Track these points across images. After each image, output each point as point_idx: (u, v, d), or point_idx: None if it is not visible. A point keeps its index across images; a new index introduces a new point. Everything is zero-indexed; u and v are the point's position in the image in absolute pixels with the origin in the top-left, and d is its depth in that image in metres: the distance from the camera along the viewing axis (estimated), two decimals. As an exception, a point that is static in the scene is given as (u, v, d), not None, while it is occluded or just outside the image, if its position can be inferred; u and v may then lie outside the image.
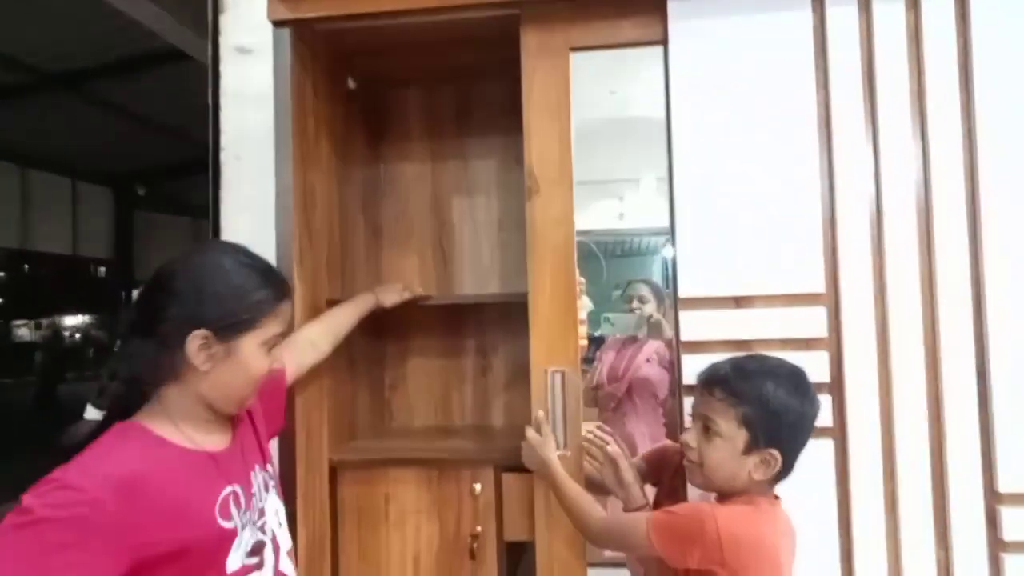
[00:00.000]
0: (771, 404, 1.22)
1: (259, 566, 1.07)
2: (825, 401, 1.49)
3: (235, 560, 1.02)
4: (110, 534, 0.88)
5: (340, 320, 1.65)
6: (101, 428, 1.00)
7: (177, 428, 1.02)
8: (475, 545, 1.68)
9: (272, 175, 1.66)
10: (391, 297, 1.74)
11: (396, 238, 2.14)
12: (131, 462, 0.94)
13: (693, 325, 1.54)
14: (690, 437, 1.30)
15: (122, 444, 0.97)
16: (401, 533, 1.72)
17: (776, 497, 1.30)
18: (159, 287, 1.03)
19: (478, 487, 1.69)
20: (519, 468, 1.62)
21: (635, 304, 3.27)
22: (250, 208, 1.86)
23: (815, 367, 1.49)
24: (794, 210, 1.52)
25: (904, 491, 1.46)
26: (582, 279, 2.18)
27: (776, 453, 1.22)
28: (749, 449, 1.23)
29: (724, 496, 1.29)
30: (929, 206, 1.49)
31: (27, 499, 0.87)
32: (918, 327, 1.48)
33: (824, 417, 1.48)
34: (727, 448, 1.23)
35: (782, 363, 1.30)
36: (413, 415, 2.17)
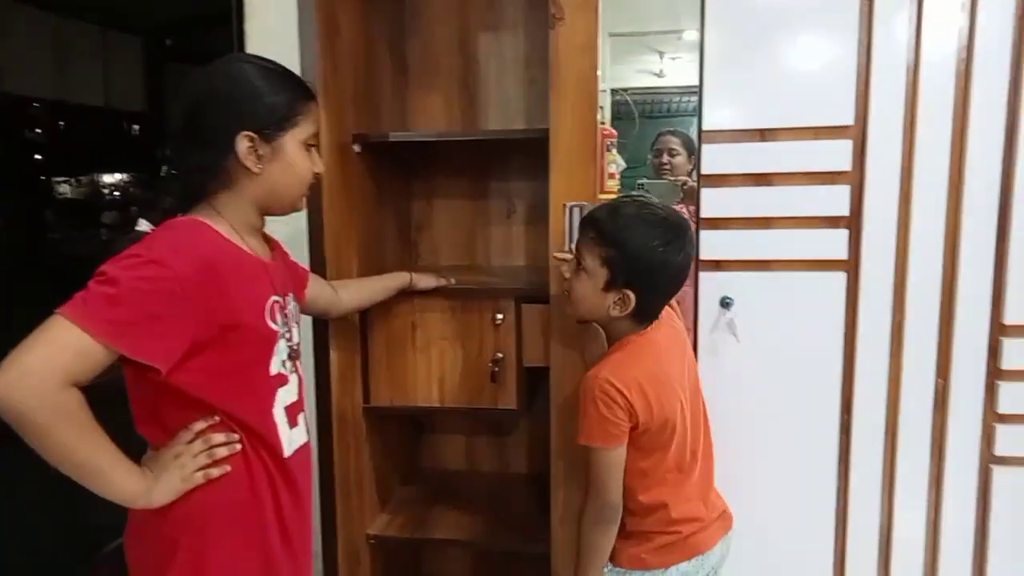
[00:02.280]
0: (631, 248, 1.25)
1: (287, 380, 1.12)
2: (841, 235, 1.51)
3: (275, 364, 1.08)
4: (189, 308, 0.93)
5: (370, 285, 1.65)
6: None
7: (233, 230, 1.06)
8: (496, 369, 1.79)
9: (295, 3, 1.63)
10: (427, 281, 1.74)
11: (422, 75, 2.12)
12: (205, 246, 0.99)
13: (715, 158, 1.54)
14: (566, 269, 1.36)
15: (194, 231, 1.01)
16: (427, 357, 1.83)
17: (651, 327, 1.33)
18: (198, 99, 1.05)
19: (500, 316, 1.78)
20: (539, 299, 1.69)
21: (664, 158, 3.20)
22: (275, 40, 1.84)
23: (835, 201, 1.51)
24: (828, 42, 1.47)
25: (911, 322, 1.51)
26: (614, 131, 2.15)
27: (631, 294, 1.26)
28: (608, 287, 1.27)
29: (609, 339, 1.36)
30: (971, 49, 1.43)
31: (113, 270, 0.90)
32: (944, 165, 1.47)
33: (839, 250, 1.52)
34: (590, 284, 1.29)
35: (659, 210, 1.30)
36: (439, 255, 2.24)
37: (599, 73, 1.53)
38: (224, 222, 1.05)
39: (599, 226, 1.28)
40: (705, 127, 1.54)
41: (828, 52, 1.48)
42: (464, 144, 2.09)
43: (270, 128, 1.05)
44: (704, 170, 1.55)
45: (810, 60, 1.49)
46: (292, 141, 1.08)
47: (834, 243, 1.52)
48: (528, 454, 2.26)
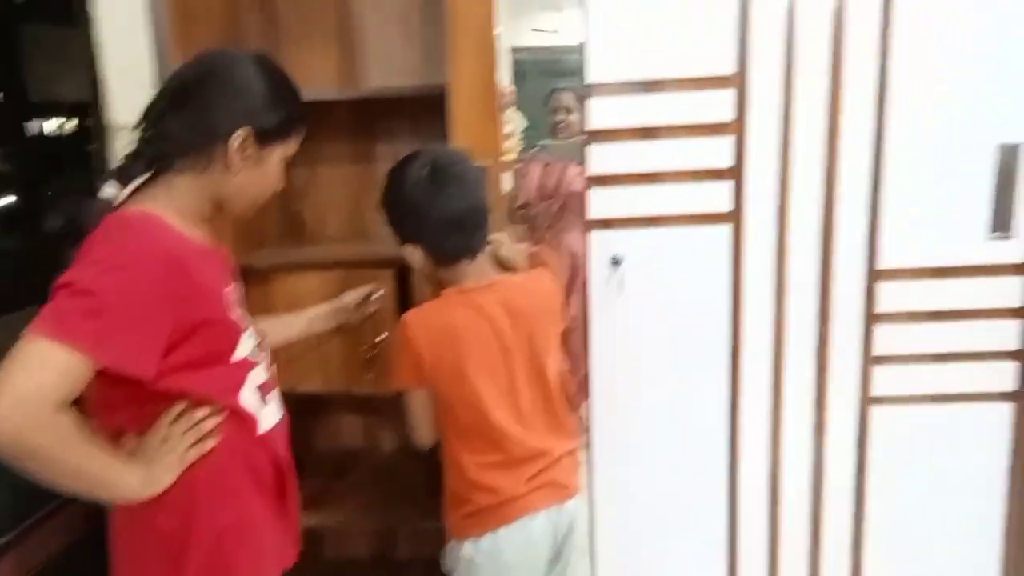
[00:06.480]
0: (385, 204, 1.28)
1: (256, 364, 1.12)
2: (726, 187, 1.52)
3: (241, 351, 1.07)
4: (163, 309, 0.92)
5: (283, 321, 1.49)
6: (112, 209, 0.99)
7: (185, 222, 1.02)
8: (373, 353, 1.66)
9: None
10: (352, 296, 1.55)
11: (295, 29, 1.97)
12: (167, 242, 0.96)
13: (602, 113, 1.51)
14: None
15: (151, 226, 0.97)
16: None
17: (488, 282, 1.28)
18: (211, 74, 1.01)
19: (378, 293, 1.59)
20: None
21: (560, 116, 3.18)
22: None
23: (719, 153, 1.51)
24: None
25: (793, 271, 1.54)
26: (511, 89, 2.07)
27: (414, 248, 1.26)
28: (402, 246, 1.29)
29: None
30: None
31: (83, 280, 0.87)
32: (822, 114, 1.49)
33: (724, 203, 1.53)
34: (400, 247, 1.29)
35: (422, 156, 1.27)
36: (325, 225, 2.12)
37: (498, 29, 1.46)
38: (173, 209, 1.01)
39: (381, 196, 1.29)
40: (591, 80, 1.50)
41: (708, 2, 1.46)
42: (347, 104, 1.97)
43: (268, 134, 1.03)
44: (591, 125, 1.52)
45: (691, 8, 1.47)
46: (279, 154, 1.07)
47: (719, 196, 1.53)
48: (429, 425, 2.19)
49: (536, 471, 1.26)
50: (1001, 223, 1.51)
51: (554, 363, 1.31)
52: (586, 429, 1.68)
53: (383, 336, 1.62)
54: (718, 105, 1.49)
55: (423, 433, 1.32)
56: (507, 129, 4.50)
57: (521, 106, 4.55)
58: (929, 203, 1.51)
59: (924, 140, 1.48)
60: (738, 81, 1.47)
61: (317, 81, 1.99)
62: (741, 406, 1.61)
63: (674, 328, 1.58)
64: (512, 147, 4.10)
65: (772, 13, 1.46)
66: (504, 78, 5.00)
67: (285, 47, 1.97)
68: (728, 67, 1.47)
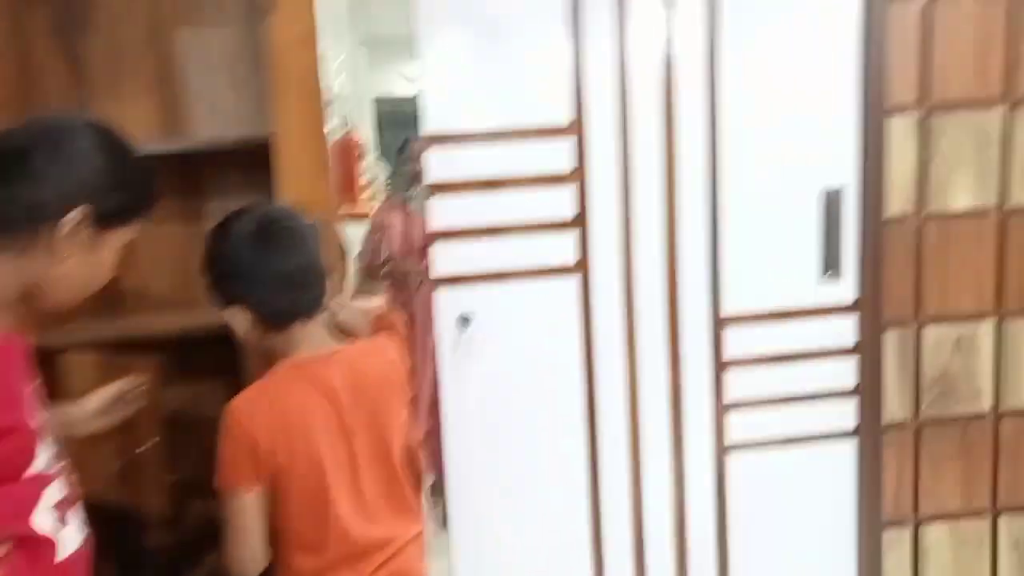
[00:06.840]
0: (206, 259, 1.13)
1: (53, 477, 0.93)
2: (571, 239, 1.50)
3: (40, 463, 0.89)
4: None
5: None
6: None
7: None
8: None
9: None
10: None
11: (107, 80, 1.79)
12: None
13: (443, 165, 1.45)
14: None
15: None
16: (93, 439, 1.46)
17: (326, 352, 1.14)
18: (41, 143, 0.86)
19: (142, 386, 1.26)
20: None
21: (416, 164, 3.12)
22: None
23: (562, 203, 1.49)
24: (542, 42, 1.46)
25: (641, 320, 1.53)
26: (362, 138, 1.98)
27: (239, 311, 1.10)
28: (225, 309, 1.13)
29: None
30: (671, 47, 1.48)
31: None
32: (659, 161, 1.51)
33: (570, 255, 1.50)
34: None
35: (249, 213, 1.14)
36: (149, 291, 1.91)
37: (326, 77, 1.39)
38: None
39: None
40: (428, 131, 1.44)
41: (543, 53, 1.46)
42: (172, 158, 1.80)
43: (108, 217, 0.87)
44: (430, 178, 1.46)
45: (527, 60, 1.46)
46: (119, 239, 0.91)
47: (565, 247, 1.50)
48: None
49: (380, 562, 1.13)
50: (831, 265, 1.57)
51: (400, 439, 1.19)
52: (439, 500, 1.57)
53: (152, 441, 1.41)
54: (558, 155, 1.47)
55: (251, 548, 1.08)
56: (366, 179, 4.40)
57: (385, 155, 4.49)
58: (765, 248, 1.55)
59: (755, 186, 1.53)
60: (576, 130, 1.47)
61: (134, 132, 1.81)
62: (600, 461, 1.56)
63: (528, 386, 1.52)
64: (371, 197, 4.00)
65: (605, 63, 1.47)
66: (367, 128, 4.94)
67: (95, 97, 1.78)
68: (565, 117, 1.46)
